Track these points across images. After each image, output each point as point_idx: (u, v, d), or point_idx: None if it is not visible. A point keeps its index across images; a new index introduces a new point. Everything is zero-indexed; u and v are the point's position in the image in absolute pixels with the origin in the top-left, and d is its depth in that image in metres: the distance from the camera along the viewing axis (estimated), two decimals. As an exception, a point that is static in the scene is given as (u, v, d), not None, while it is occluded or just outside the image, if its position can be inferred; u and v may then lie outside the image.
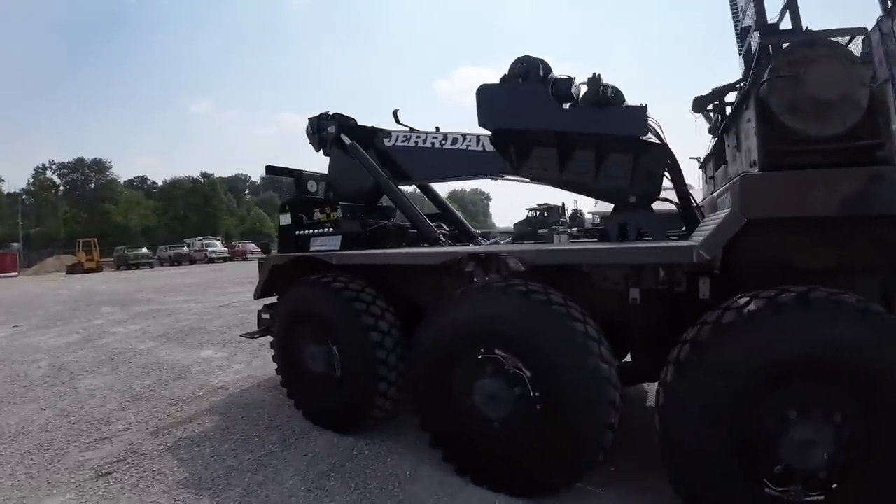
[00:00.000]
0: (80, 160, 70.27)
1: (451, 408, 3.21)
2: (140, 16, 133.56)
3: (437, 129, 4.71)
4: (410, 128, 4.91)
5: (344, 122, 5.00)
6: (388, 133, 4.93)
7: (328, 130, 4.97)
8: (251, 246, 46.54)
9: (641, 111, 3.62)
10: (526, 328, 2.92)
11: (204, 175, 74.65)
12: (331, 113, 5.14)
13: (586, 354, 2.78)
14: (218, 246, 42.40)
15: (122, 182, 74.09)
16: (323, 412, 4.11)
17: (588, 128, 3.73)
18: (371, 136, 4.96)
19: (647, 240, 3.41)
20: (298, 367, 4.22)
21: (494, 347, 3.01)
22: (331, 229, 4.44)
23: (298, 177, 5.27)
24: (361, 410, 3.83)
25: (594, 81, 3.74)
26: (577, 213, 34.47)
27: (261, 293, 4.90)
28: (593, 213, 36.45)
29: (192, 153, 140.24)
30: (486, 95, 4.01)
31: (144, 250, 38.95)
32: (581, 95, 3.83)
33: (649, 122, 3.67)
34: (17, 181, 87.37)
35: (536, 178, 4.22)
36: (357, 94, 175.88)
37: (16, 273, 35.95)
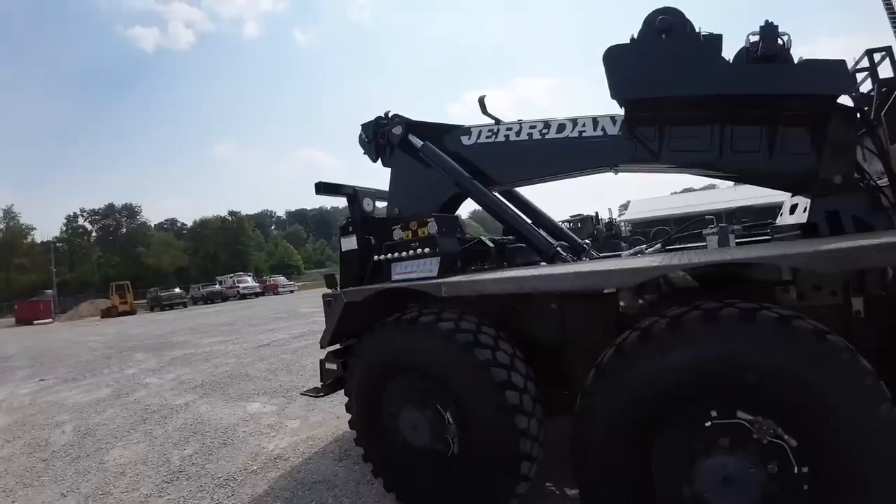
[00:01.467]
0: (110, 206, 72.90)
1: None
2: (159, 64, 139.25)
3: (520, 121, 3.83)
4: (496, 119, 3.92)
5: (411, 122, 4.10)
6: (466, 130, 3.98)
7: (392, 132, 4.10)
8: (282, 280, 46.56)
9: (840, 64, 2.79)
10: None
11: (231, 213, 75.86)
12: (391, 113, 4.26)
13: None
14: (250, 282, 42.33)
15: (152, 225, 76.16)
16: (431, 500, 2.95)
17: (766, 88, 2.86)
18: (442, 137, 4.05)
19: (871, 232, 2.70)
20: (390, 437, 3.12)
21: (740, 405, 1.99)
22: (420, 250, 3.38)
23: (353, 193, 4.34)
24: (496, 501, 2.68)
25: (769, 29, 2.86)
26: (612, 222, 32.98)
27: (330, 339, 3.72)
28: (625, 222, 35.02)
29: (218, 193, 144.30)
30: (619, 58, 3.12)
31: (177, 290, 39.04)
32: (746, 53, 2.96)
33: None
34: (50, 229, 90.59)
35: (686, 164, 3.34)
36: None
37: (50, 319, 36.12)
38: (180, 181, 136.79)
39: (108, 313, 34.18)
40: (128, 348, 13.55)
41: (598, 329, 2.70)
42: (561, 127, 3.58)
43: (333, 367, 3.90)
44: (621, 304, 2.80)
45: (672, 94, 3.03)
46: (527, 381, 2.71)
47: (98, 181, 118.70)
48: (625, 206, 50.21)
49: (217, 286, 41.37)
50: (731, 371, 1.96)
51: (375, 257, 3.59)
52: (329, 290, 4.05)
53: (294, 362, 8.59)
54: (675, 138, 3.23)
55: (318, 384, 4.14)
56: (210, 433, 5.03)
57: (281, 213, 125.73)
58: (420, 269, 3.35)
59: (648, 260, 2.65)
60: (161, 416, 5.89)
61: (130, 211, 73.50)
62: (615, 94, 3.13)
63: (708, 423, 2.01)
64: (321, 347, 3.83)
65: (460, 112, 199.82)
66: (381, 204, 4.79)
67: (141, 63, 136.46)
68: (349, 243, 3.97)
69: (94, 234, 72.19)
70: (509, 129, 3.80)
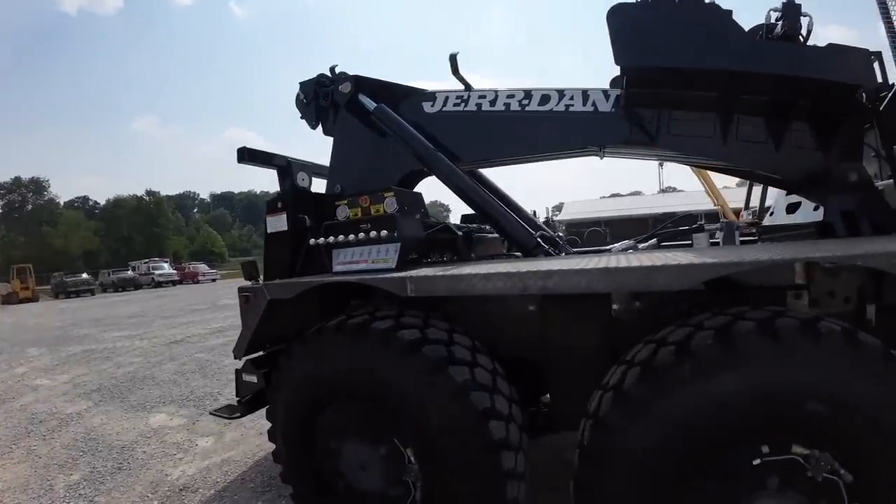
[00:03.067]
0: (16, 179, 66.67)
1: None
2: (79, 29, 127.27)
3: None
4: (467, 84, 3.44)
5: (361, 79, 3.48)
6: (430, 95, 3.44)
7: (339, 90, 3.47)
8: (203, 267, 44.14)
9: (866, 54, 2.59)
10: None
11: (149, 193, 70.95)
12: (337, 69, 3.65)
13: None
14: (166, 268, 39.78)
15: (62, 203, 70.05)
16: None
17: (787, 69, 2.53)
18: (399, 102, 3.48)
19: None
20: (327, 478, 2.53)
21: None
22: (372, 233, 2.78)
23: (286, 165, 3.62)
24: None
25: (792, 6, 2.60)
26: (549, 222, 33.84)
27: (248, 347, 3.03)
28: (559, 222, 36.16)
29: (136, 172, 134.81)
30: (627, 18, 2.69)
31: (84, 276, 36.01)
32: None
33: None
34: None
35: (685, 151, 3.01)
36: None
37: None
38: (94, 157, 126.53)
39: (7, 300, 30.93)
40: (21, 342, 12.29)
41: (586, 336, 2.28)
42: (545, 98, 3.09)
43: (253, 379, 3.21)
44: (614, 307, 2.32)
45: (683, 65, 2.64)
46: (511, 404, 2.22)
47: (4, 152, 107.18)
48: (558, 208, 51.68)
49: (129, 272, 38.54)
50: (792, 397, 1.62)
51: (311, 241, 3.00)
52: (248, 283, 3.32)
53: (210, 363, 8.10)
54: (677, 121, 2.87)
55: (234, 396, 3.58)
56: (103, 453, 4.58)
57: (205, 195, 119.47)
58: (372, 257, 2.77)
59: (672, 256, 2.13)
60: (48, 429, 5.33)
61: (38, 185, 67.39)
62: (620, 58, 2.70)
63: (757, 462, 1.68)
64: (235, 357, 3.27)
65: None
66: (319, 181, 4.09)
67: (61, 26, 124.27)
68: (277, 223, 3.28)
69: None
70: (482, 96, 3.26)
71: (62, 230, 60.80)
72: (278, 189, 3.64)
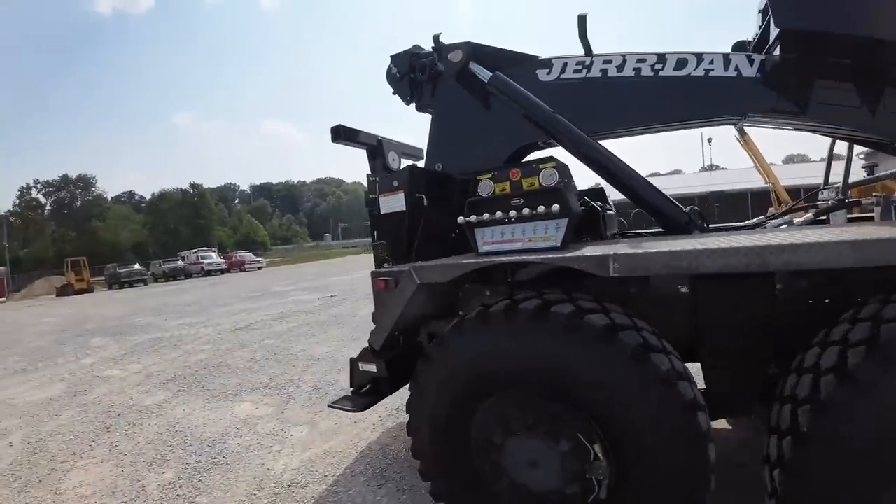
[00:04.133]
0: (65, 177, 69.60)
1: None
2: (116, 28, 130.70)
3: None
4: (589, 48, 3.01)
5: (476, 46, 3.20)
6: (545, 62, 3.11)
7: (448, 59, 3.22)
8: (249, 256, 44.85)
9: None
10: None
11: (193, 186, 72.68)
12: (440, 37, 3.34)
13: None
14: (214, 257, 40.49)
15: (109, 198, 72.38)
16: None
17: None
18: (508, 71, 3.12)
19: None
20: (485, 475, 2.23)
21: None
22: (526, 210, 2.41)
23: (377, 144, 3.68)
24: None
25: None
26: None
27: (388, 337, 2.75)
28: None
29: (178, 166, 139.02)
30: None
31: (136, 267, 37.00)
32: None
33: None
34: (2, 202, 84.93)
35: (835, 122, 2.66)
36: (344, 98, 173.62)
37: (3, 298, 33.68)
38: (138, 153, 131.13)
39: (63, 291, 31.96)
40: (85, 332, 12.27)
41: (748, 318, 2.01)
42: (681, 62, 2.82)
43: (372, 368, 2.99)
44: (778, 287, 2.07)
45: (855, 32, 2.43)
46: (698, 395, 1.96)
47: (52, 152, 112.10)
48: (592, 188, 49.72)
49: (179, 262, 39.37)
50: None
51: (461, 219, 2.57)
52: (383, 266, 3.09)
53: (281, 349, 7.65)
54: (827, 90, 2.58)
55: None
56: (193, 447, 4.10)
57: (245, 186, 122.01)
58: (528, 235, 2.42)
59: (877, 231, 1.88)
60: (129, 423, 4.91)
61: (85, 182, 69.78)
62: (780, 20, 2.52)
63: None
64: (374, 349, 2.86)
65: None
66: (405, 162, 3.96)
67: (97, 27, 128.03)
68: (393, 203, 3.01)
69: (48, 207, 68.69)
70: (608, 61, 2.98)
71: (111, 224, 63.13)
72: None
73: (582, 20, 2.93)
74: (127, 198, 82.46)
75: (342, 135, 3.49)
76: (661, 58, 2.87)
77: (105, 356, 8.65)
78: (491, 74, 3.05)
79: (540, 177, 2.44)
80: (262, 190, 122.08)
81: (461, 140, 3.27)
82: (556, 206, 2.33)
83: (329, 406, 3.26)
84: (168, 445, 4.21)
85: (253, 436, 4.25)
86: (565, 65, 3.05)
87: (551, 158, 2.54)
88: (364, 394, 3.11)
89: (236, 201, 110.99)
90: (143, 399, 5.70)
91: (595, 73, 2.98)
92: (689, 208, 2.84)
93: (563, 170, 2.48)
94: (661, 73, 2.85)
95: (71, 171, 75.47)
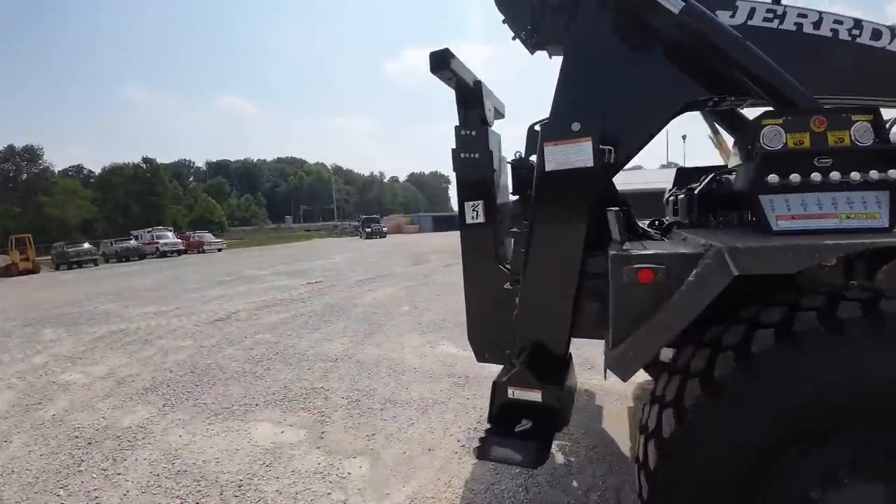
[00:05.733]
0: (10, 148, 63.40)
1: None
2: None
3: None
4: None
5: None
6: (728, 2, 2.48)
7: None
8: (208, 236, 42.37)
9: None
10: None
11: (146, 160, 68.33)
12: None
13: None
14: (170, 237, 37.79)
15: (56, 171, 67.09)
16: None
17: None
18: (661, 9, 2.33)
19: None
20: None
21: None
22: (837, 175, 1.74)
23: (474, 87, 2.87)
24: None
25: None
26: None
27: (655, 351, 1.78)
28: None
29: (129, 140, 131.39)
30: None
31: (86, 245, 33.84)
32: None
33: None
34: None
35: None
36: (302, 75, 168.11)
37: (-65, 279, 30.23)
38: (85, 125, 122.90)
39: (6, 272, 28.64)
40: (33, 321, 10.50)
41: None
42: (876, 33, 2.43)
43: (533, 397, 2.32)
44: None
45: None
46: None
47: None
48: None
49: (133, 242, 36.52)
50: None
51: (742, 180, 1.92)
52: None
53: (284, 347, 6.41)
54: None
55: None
56: (213, 498, 2.91)
57: (200, 164, 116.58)
58: (846, 210, 1.74)
59: None
60: (106, 456, 3.63)
61: (32, 154, 63.83)
62: None
63: None
64: (640, 368, 1.96)
65: (397, 70, 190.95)
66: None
67: None
68: (570, 155, 2.19)
69: None
70: (802, 15, 2.48)
71: (59, 199, 58.57)
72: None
73: None
74: (75, 172, 76.60)
75: (446, 63, 2.62)
76: (858, 24, 2.46)
77: (60, 353, 7.15)
78: (684, 3, 2.29)
79: (852, 131, 1.84)
80: (219, 168, 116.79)
81: (609, 92, 2.47)
82: (873, 173, 1.76)
83: (480, 458, 2.25)
84: (174, 496, 2.99)
85: (293, 476, 3.09)
86: (753, 9, 2.49)
87: (868, 109, 1.94)
88: (522, 434, 2.33)
89: (191, 179, 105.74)
90: (119, 417, 4.40)
91: (789, 25, 2.47)
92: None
93: (879, 126, 1.86)
94: (857, 40, 2.43)
95: (17, 141, 68.59)
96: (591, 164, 2.17)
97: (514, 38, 2.77)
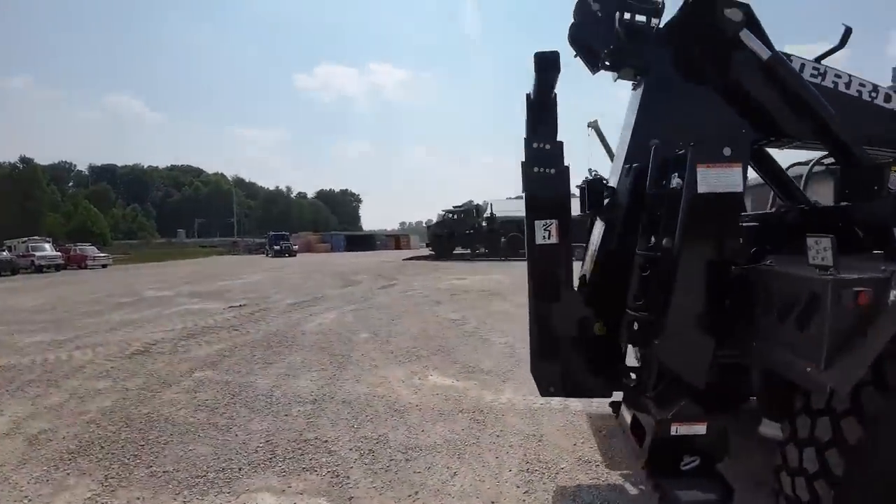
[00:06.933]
0: None
1: None
2: None
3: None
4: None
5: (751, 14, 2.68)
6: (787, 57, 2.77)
7: (725, 16, 2.59)
8: (92, 250, 37.46)
9: None
10: None
11: (24, 160, 59.38)
12: None
13: None
14: (48, 250, 32.78)
15: None
16: None
17: None
18: (732, 53, 2.74)
19: None
20: None
21: None
22: None
23: (553, 96, 2.76)
24: None
25: None
26: (494, 215, 32.49)
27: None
28: (501, 214, 34.73)
29: (4, 135, 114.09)
30: None
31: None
32: None
33: None
34: None
35: None
36: (204, 79, 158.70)
37: None
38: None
39: None
40: None
41: None
42: (887, 97, 2.91)
43: (697, 430, 2.31)
44: None
45: None
46: None
47: None
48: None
49: (5, 253, 31.22)
50: None
51: None
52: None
53: (239, 387, 5.28)
54: None
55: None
56: None
57: (82, 167, 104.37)
58: None
59: None
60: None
61: None
62: None
63: None
64: (835, 390, 1.81)
65: (309, 85, 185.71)
66: None
67: None
68: (724, 179, 2.26)
69: None
70: (838, 76, 2.86)
71: None
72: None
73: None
74: None
75: (557, 65, 2.59)
76: (875, 88, 2.89)
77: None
78: (770, 52, 2.63)
79: None
80: (104, 172, 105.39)
81: (683, 120, 2.75)
82: None
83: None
84: None
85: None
86: (803, 65, 2.82)
87: None
88: (692, 472, 2.34)
89: (70, 184, 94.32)
90: (49, 498, 3.15)
91: (828, 83, 2.83)
92: None
93: None
94: (875, 101, 2.87)
95: None
96: (740, 189, 2.28)
97: (590, 62, 2.92)
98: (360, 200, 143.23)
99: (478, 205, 35.13)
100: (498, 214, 33.17)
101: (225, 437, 3.95)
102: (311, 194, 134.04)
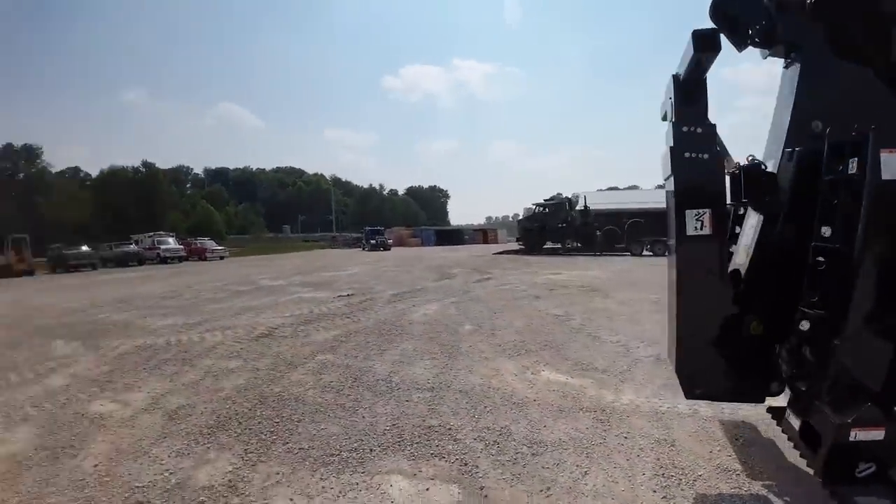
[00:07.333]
0: (8, 146, 62.90)
1: None
2: None
3: None
4: None
5: None
6: None
7: None
8: (211, 244, 41.33)
9: None
10: None
11: (145, 165, 67.32)
12: None
13: None
14: (172, 243, 36.79)
15: (53, 172, 66.83)
16: None
17: None
18: None
19: None
20: None
21: None
22: None
23: (703, 79, 2.60)
24: None
25: None
26: (587, 210, 31.31)
27: None
28: (595, 206, 33.46)
29: (126, 143, 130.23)
30: None
31: (84, 248, 32.58)
32: None
33: None
34: None
35: None
36: (301, 86, 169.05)
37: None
38: (83, 127, 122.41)
39: (3, 272, 27.23)
40: (41, 329, 9.34)
41: None
42: None
43: (878, 435, 2.15)
44: None
45: None
46: None
47: None
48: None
49: (133, 246, 35.44)
50: None
51: None
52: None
53: (359, 371, 5.42)
54: None
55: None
56: None
57: (199, 170, 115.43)
58: None
59: None
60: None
61: (30, 153, 63.56)
62: None
63: None
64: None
65: (396, 86, 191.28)
66: None
67: None
68: None
69: None
70: None
71: (56, 201, 57.30)
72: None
73: None
74: (72, 173, 75.33)
75: (717, 44, 2.43)
76: None
77: (81, 373, 6.09)
78: None
79: None
80: (218, 175, 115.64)
81: (855, 96, 2.43)
82: None
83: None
84: None
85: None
86: None
87: None
88: (868, 480, 2.23)
89: (188, 185, 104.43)
90: (189, 470, 3.37)
91: None
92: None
93: None
94: None
95: (14, 139, 66.53)
96: None
97: (738, 37, 2.62)
98: (447, 196, 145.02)
99: (568, 198, 34.14)
100: (591, 207, 31.99)
101: (353, 419, 4.03)
102: (401, 191, 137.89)
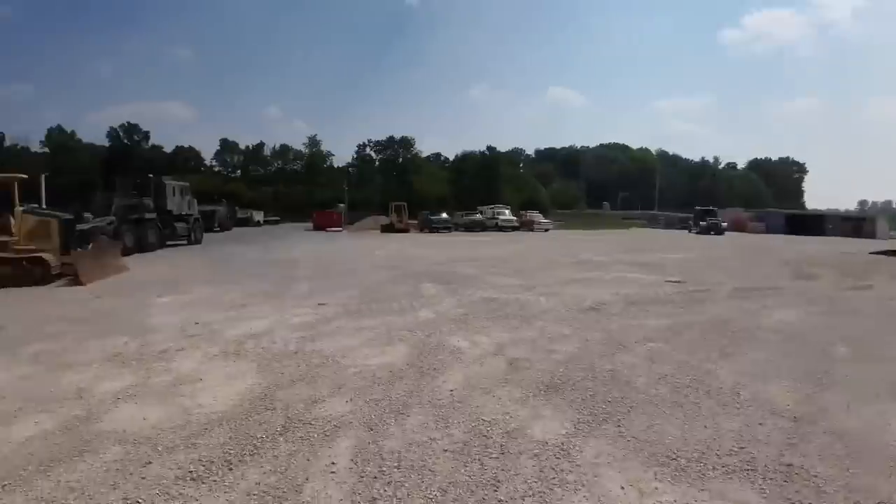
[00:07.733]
0: (391, 138, 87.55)
1: None
2: (422, 15, 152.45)
3: None
4: None
5: None
6: None
7: None
8: (539, 216, 44.57)
9: None
10: None
11: (489, 148, 79.02)
12: None
13: None
14: (507, 214, 41.69)
15: (422, 157, 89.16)
16: None
17: None
18: None
19: None
20: None
21: None
22: None
23: None
24: None
25: None
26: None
27: None
28: None
29: (472, 131, 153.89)
30: None
31: (444, 215, 40.41)
32: None
33: None
34: (344, 154, 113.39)
35: None
36: (625, 59, 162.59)
37: (340, 228, 40.92)
38: (442, 120, 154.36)
39: (387, 229, 37.00)
40: (413, 273, 11.85)
41: None
42: None
43: None
44: None
45: None
46: None
47: (379, 118, 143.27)
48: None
49: (478, 216, 41.63)
50: None
51: None
52: None
53: (701, 374, 4.82)
54: None
55: None
56: None
57: (530, 151, 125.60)
58: None
59: None
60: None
61: (407, 143, 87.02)
62: None
63: None
64: None
65: (736, 39, 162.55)
66: None
67: (401, 13, 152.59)
68: None
69: (377, 162, 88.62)
70: None
71: (425, 179, 73.80)
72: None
73: None
74: (434, 158, 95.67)
75: None
76: None
77: (441, 312, 7.31)
78: None
79: None
80: (546, 154, 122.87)
81: None
82: None
83: None
84: None
85: None
86: None
87: None
88: None
89: (521, 165, 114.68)
90: (526, 420, 3.55)
91: None
92: None
93: None
94: None
95: (395, 133, 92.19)
96: None
97: None
98: (804, 171, 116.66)
99: None
100: None
101: (692, 424, 3.56)
102: (740, 164, 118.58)
